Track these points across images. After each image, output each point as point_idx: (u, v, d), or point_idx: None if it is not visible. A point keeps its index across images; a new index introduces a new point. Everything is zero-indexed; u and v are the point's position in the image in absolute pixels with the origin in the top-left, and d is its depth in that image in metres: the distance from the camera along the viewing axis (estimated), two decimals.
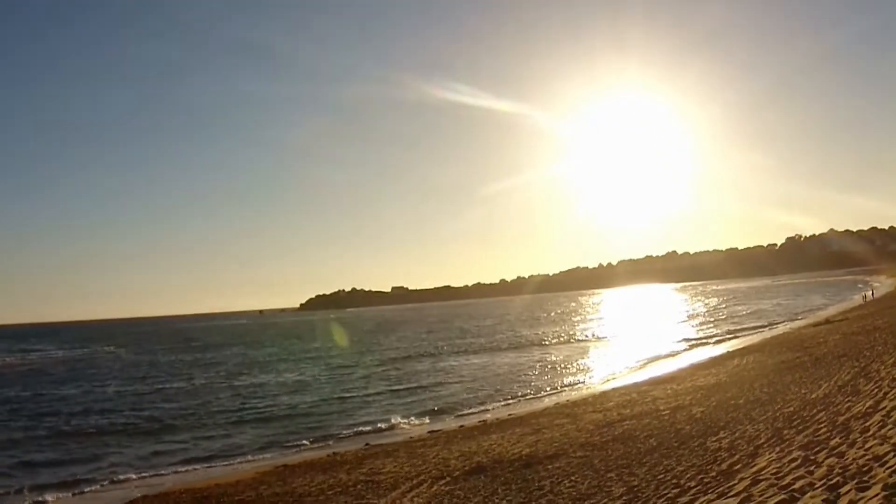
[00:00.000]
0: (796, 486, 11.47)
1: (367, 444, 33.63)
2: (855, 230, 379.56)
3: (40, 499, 27.19)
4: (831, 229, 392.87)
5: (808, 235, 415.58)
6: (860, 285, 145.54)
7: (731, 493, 12.73)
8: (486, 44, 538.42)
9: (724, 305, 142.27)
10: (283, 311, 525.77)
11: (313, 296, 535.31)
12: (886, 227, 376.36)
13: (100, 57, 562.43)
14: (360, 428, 38.89)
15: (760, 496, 11.69)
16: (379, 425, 39.29)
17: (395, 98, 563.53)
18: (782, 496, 11.09)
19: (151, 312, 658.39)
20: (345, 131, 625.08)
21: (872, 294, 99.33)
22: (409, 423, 39.51)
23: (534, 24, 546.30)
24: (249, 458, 33.19)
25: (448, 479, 22.31)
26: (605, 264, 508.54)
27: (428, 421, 39.85)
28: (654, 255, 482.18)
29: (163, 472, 31.07)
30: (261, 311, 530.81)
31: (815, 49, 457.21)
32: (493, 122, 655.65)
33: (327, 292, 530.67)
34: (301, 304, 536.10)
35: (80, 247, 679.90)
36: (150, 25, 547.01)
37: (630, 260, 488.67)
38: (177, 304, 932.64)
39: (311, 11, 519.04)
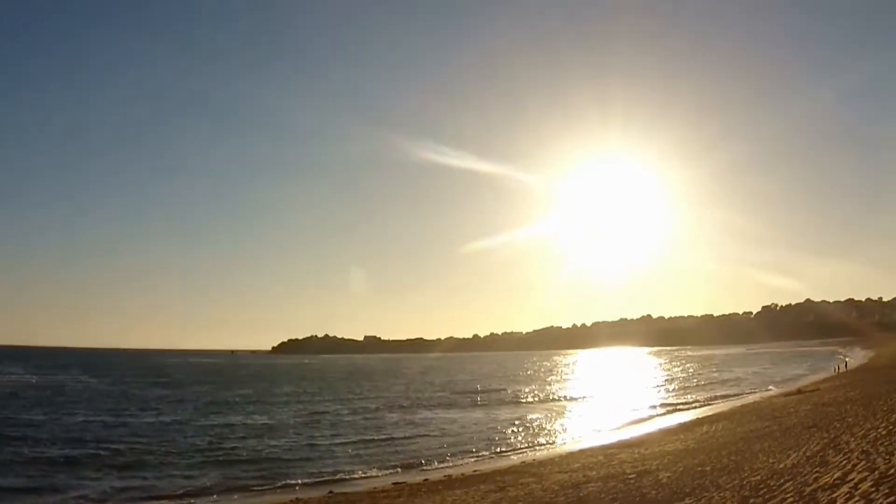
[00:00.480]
0: None
1: (330, 492, 33.39)
2: (832, 301, 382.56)
3: None
4: (808, 299, 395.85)
5: (784, 304, 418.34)
6: (835, 356, 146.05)
7: None
8: (471, 105, 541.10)
9: (696, 371, 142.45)
10: (254, 352, 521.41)
11: (285, 339, 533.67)
12: (863, 299, 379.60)
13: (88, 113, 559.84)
14: (326, 476, 38.58)
15: None
16: (344, 474, 39.00)
17: (380, 157, 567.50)
18: None
19: (123, 344, 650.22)
20: (327, 187, 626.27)
21: (846, 365, 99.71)
22: (374, 474, 39.26)
23: (519, 88, 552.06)
24: (213, 498, 33.00)
25: None
26: (579, 325, 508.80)
27: (393, 472, 39.64)
28: (630, 317, 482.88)
29: None
30: (233, 352, 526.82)
31: (800, 112, 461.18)
32: (475, 183, 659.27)
33: (300, 337, 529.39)
34: (273, 347, 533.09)
35: (54, 271, 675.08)
36: (134, 86, 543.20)
37: (605, 322, 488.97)
38: (150, 338, 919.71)
39: (297, 70, 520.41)
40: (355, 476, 38.56)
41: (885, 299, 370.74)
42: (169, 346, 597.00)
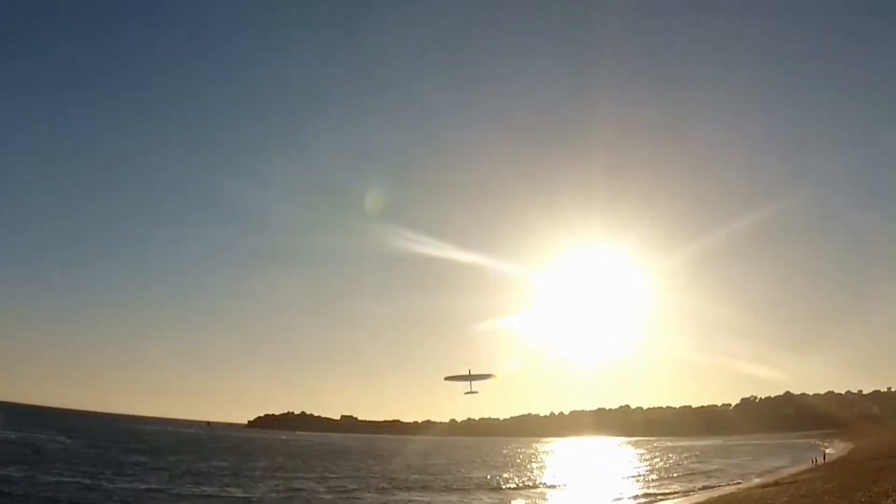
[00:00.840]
0: None
1: None
2: (811, 393, 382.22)
3: None
4: (787, 392, 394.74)
5: (763, 396, 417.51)
6: (814, 448, 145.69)
7: None
8: (452, 195, 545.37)
9: (676, 462, 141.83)
10: (231, 425, 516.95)
11: (262, 414, 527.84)
12: (843, 392, 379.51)
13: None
14: None
15: None
16: None
17: (360, 249, 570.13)
18: None
19: (99, 407, 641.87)
20: (308, 274, 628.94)
21: (824, 458, 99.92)
22: None
23: (501, 178, 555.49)
24: None
25: None
26: (557, 413, 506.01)
27: None
28: (608, 407, 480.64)
29: None
30: (209, 423, 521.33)
31: (784, 201, 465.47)
32: (455, 273, 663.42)
33: (276, 412, 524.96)
34: (249, 421, 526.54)
35: (37, 330, 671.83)
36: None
37: (584, 411, 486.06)
38: (127, 403, 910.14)
39: (272, 160, 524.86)
40: None
41: (864, 391, 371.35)
42: (145, 412, 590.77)
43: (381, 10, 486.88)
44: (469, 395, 52.00)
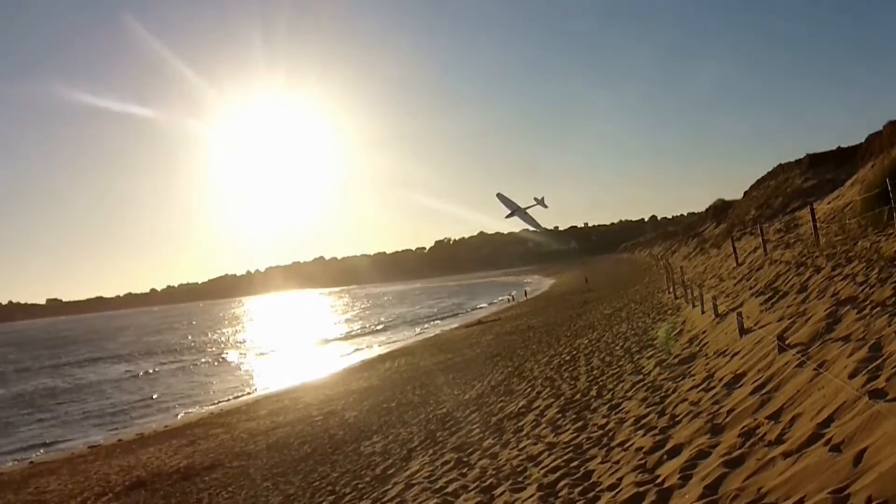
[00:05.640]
0: (450, 489, 11.76)
1: (31, 462, 32.61)
2: (506, 232, 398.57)
3: None
4: (481, 231, 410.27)
5: (458, 238, 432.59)
6: (515, 286, 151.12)
7: (386, 499, 12.93)
8: (126, 44, 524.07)
9: (375, 308, 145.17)
10: None
11: None
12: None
13: None
14: (23, 445, 37.63)
15: (414, 500, 11.85)
16: (41, 441, 38.19)
17: (41, 100, 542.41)
18: (436, 500, 11.23)
19: None
20: None
21: (525, 294, 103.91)
22: (70, 438, 38.43)
23: (177, 27, 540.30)
24: None
25: (110, 495, 22.06)
26: (253, 271, 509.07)
27: (87, 435, 38.80)
28: (303, 260, 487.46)
29: None
30: None
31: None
32: (139, 129, 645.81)
33: None
34: None
35: None
36: None
37: (279, 266, 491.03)
38: None
39: None
40: (52, 442, 37.65)
41: (560, 228, 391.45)
42: None
43: None
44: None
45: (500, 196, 52.24)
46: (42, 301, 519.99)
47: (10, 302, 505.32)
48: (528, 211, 50.62)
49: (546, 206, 53.79)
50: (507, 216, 50.90)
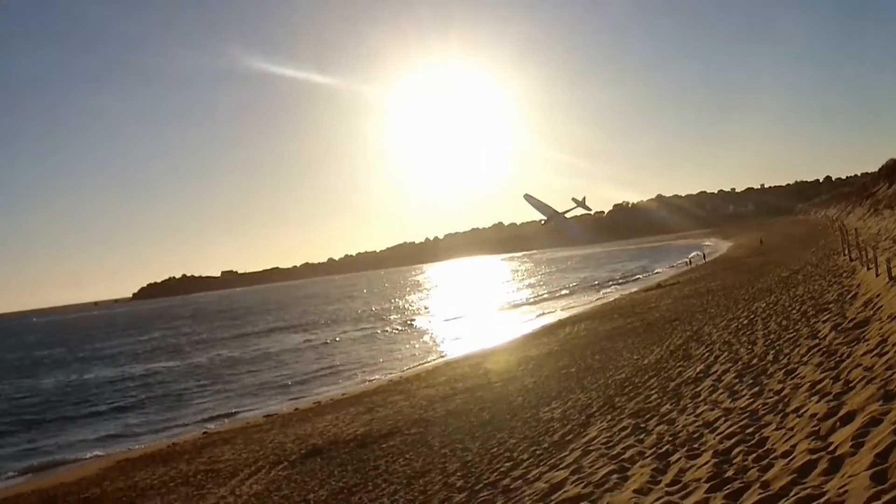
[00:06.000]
0: (626, 455, 11.78)
1: (205, 432, 33.81)
2: (684, 195, 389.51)
3: None
4: (659, 195, 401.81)
5: (636, 202, 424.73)
6: (693, 249, 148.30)
7: (563, 465, 12.97)
8: (311, 18, 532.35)
9: (556, 274, 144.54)
10: (116, 301, 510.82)
11: (145, 284, 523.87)
12: (715, 191, 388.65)
13: None
14: (198, 416, 39.23)
15: (591, 466, 11.93)
16: (217, 412, 39.71)
17: (218, 69, 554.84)
18: (612, 466, 11.33)
19: None
20: (165, 104, 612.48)
21: (704, 257, 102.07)
22: (246, 407, 40.06)
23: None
24: (91, 454, 32.74)
25: (285, 463, 22.71)
26: (431, 238, 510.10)
27: (264, 404, 40.31)
28: (481, 227, 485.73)
29: (10, 473, 30.65)
30: (95, 303, 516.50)
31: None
32: (316, 97, 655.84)
33: (158, 280, 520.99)
34: (134, 294, 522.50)
35: None
36: None
37: (457, 233, 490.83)
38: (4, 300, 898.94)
39: None
40: (228, 413, 39.21)
41: (737, 190, 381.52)
42: (28, 306, 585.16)
43: None
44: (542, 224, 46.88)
45: (528, 198, 48.24)
46: (217, 273, 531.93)
47: (185, 275, 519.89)
48: (567, 215, 46.33)
49: (589, 209, 50.32)
50: (544, 223, 46.92)
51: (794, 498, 7.02)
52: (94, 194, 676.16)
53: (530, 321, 62.77)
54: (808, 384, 11.37)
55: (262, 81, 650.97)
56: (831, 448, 8.05)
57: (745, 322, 23.13)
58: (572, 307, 69.28)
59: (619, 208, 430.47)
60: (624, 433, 13.61)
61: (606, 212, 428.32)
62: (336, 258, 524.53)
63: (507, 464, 15.22)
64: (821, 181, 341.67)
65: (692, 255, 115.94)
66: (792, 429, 9.49)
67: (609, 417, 15.99)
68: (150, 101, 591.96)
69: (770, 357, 15.42)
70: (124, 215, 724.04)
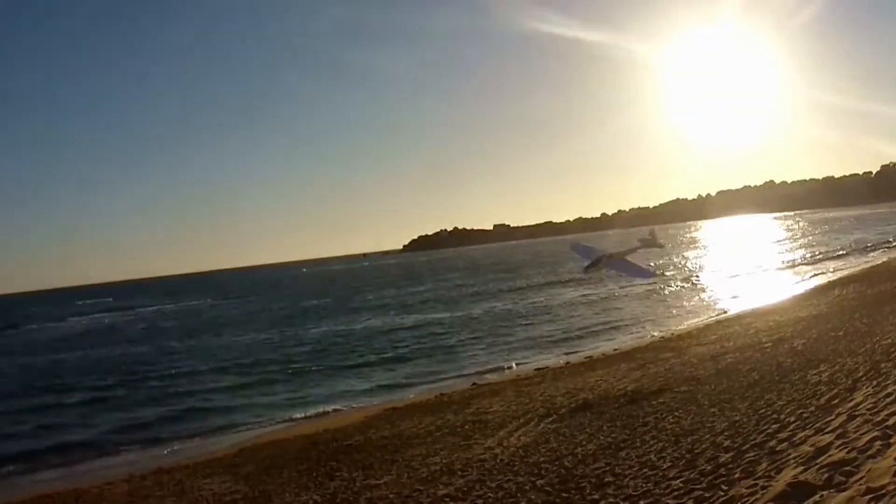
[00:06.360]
0: (890, 422, 11.72)
1: (474, 384, 34.02)
2: None
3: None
4: None
5: None
6: None
7: (828, 430, 13.04)
8: None
9: (830, 234, 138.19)
10: (386, 253, 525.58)
11: (416, 237, 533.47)
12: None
13: None
14: (468, 368, 39.75)
15: (855, 432, 11.90)
16: (488, 365, 39.93)
17: (483, 28, 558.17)
18: (876, 432, 11.26)
19: (254, 261, 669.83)
20: (434, 62, 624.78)
21: None
22: (518, 361, 40.07)
23: None
24: (357, 403, 33.79)
25: (554, 416, 22.61)
26: (703, 195, 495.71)
27: (535, 358, 40.60)
28: (752, 185, 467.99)
29: (276, 419, 31.98)
30: (364, 255, 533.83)
31: None
32: (583, 54, 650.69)
33: (429, 232, 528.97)
34: (404, 246, 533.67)
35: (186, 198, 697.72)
36: None
37: (728, 190, 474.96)
38: (280, 251, 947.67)
39: None
40: (498, 366, 39.55)
41: None
42: (300, 256, 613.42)
43: None
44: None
45: (575, 246, 42.72)
46: (489, 227, 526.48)
47: (456, 228, 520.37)
48: (628, 257, 36.27)
49: (661, 245, 44.99)
50: (587, 268, 36.11)
51: None
52: (362, 149, 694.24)
53: (801, 282, 61.02)
54: None
55: (531, 40, 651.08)
56: None
57: None
58: (842, 269, 66.71)
59: (887, 169, 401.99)
60: (889, 399, 13.46)
61: (874, 172, 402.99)
62: (609, 213, 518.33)
63: (775, 425, 15.15)
64: None
65: None
66: None
67: (874, 383, 15.74)
68: (418, 58, 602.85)
69: None
70: (394, 168, 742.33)
